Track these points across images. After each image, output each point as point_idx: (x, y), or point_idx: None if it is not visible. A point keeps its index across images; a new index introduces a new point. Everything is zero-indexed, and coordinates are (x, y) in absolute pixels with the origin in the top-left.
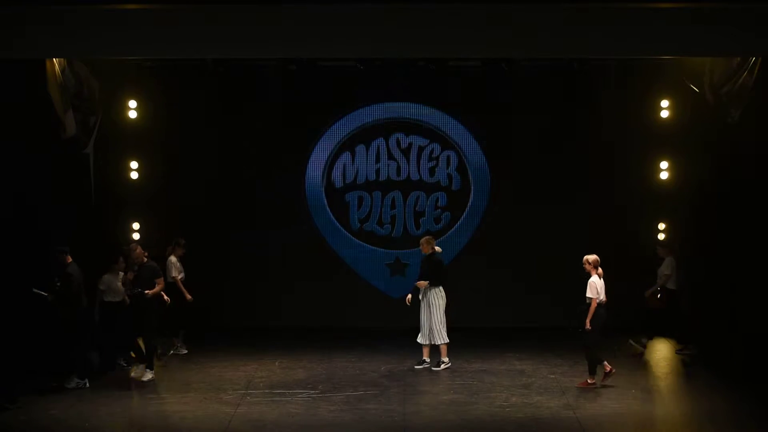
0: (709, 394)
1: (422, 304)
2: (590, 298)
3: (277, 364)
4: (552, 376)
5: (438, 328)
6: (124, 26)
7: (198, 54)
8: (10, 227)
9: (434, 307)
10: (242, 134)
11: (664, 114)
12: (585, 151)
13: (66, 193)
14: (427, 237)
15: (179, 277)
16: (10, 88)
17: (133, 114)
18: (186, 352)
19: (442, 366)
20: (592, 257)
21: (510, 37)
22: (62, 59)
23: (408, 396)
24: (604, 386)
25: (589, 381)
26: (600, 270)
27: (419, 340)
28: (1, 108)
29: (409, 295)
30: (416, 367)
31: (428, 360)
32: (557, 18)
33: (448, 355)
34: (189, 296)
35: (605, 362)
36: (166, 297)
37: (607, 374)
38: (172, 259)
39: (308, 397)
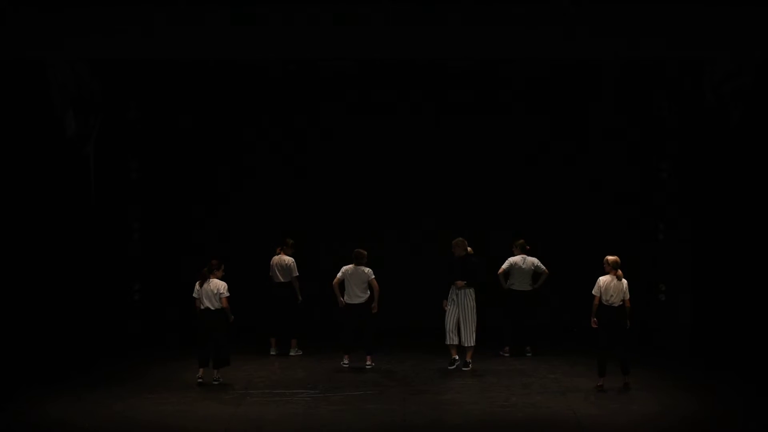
0: (710, 393)
1: (452, 306)
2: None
3: (277, 364)
4: (552, 376)
5: (470, 330)
6: (125, 26)
7: (200, 54)
8: (10, 227)
9: (467, 308)
10: (242, 134)
11: (664, 114)
12: (584, 152)
13: (66, 193)
14: (461, 239)
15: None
16: (10, 88)
17: (133, 114)
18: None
19: (470, 367)
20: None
21: (510, 37)
22: (62, 59)
23: (408, 396)
24: (602, 386)
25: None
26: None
27: (450, 341)
28: (1, 108)
29: (445, 300)
30: (450, 367)
31: (458, 358)
32: (557, 17)
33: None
34: (300, 297)
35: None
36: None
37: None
38: (288, 258)
39: (308, 397)
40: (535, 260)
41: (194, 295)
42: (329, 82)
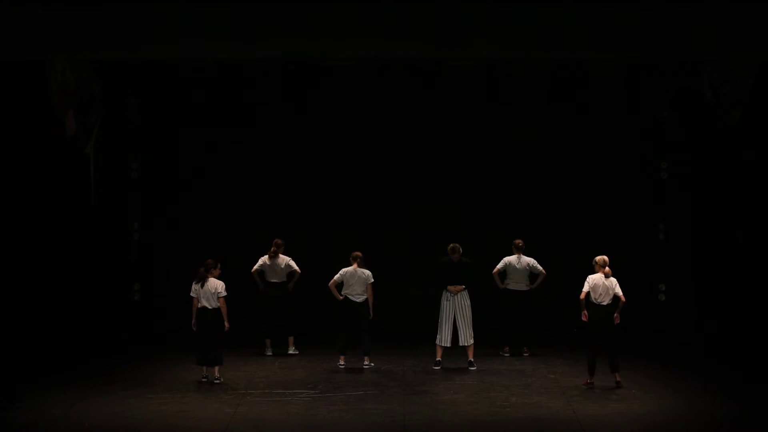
0: (710, 393)
1: (447, 307)
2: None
3: (277, 364)
4: (552, 376)
5: (469, 328)
6: (125, 26)
7: (198, 54)
8: (11, 227)
9: (465, 307)
10: (242, 133)
11: (664, 114)
12: (584, 152)
13: (66, 193)
14: (457, 245)
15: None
16: (10, 88)
17: (133, 114)
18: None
19: (476, 366)
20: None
21: (511, 37)
22: (62, 59)
23: (408, 396)
24: (602, 385)
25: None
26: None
27: (441, 342)
28: (2, 108)
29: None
30: (435, 368)
31: (441, 360)
32: (558, 17)
33: (443, 356)
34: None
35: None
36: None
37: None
38: (287, 257)
39: (308, 397)
40: (531, 260)
41: (192, 294)
42: (328, 81)
